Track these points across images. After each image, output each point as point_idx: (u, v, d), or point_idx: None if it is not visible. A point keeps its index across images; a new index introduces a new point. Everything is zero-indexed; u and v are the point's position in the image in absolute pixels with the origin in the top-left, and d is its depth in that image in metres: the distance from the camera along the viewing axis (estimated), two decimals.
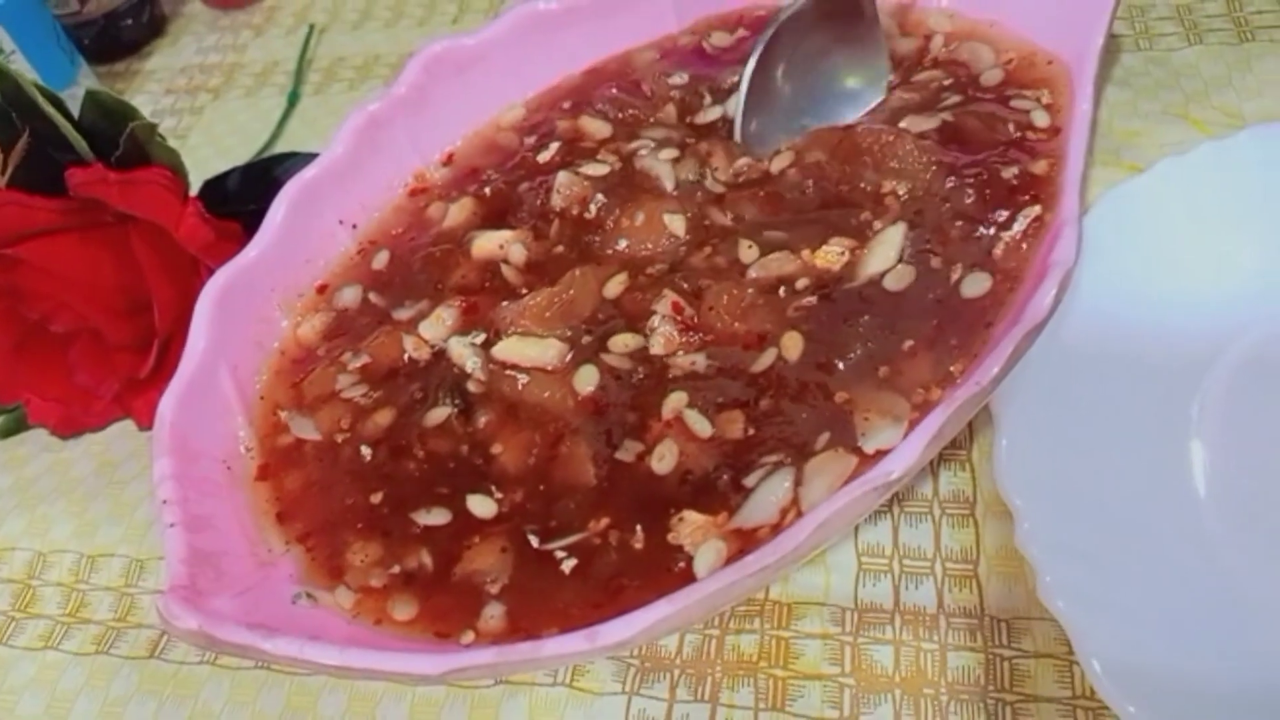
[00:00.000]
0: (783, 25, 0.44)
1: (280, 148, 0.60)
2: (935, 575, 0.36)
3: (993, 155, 0.41)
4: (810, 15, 0.44)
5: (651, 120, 0.48)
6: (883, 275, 0.37)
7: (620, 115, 0.48)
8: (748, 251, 0.40)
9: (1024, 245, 0.37)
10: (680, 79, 0.49)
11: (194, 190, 0.48)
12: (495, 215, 0.45)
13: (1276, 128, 0.42)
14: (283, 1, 0.72)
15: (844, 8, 0.44)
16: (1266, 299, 0.40)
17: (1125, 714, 0.28)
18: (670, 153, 0.45)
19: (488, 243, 0.43)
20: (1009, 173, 0.40)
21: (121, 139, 0.42)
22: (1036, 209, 0.38)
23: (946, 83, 0.45)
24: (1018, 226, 0.38)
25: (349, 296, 0.43)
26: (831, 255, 0.39)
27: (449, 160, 0.48)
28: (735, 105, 0.44)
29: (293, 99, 0.63)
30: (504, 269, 0.42)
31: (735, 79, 0.45)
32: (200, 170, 0.59)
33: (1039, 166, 0.40)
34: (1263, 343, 0.39)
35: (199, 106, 0.65)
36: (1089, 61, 0.41)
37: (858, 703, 0.33)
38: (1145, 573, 0.32)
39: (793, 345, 0.37)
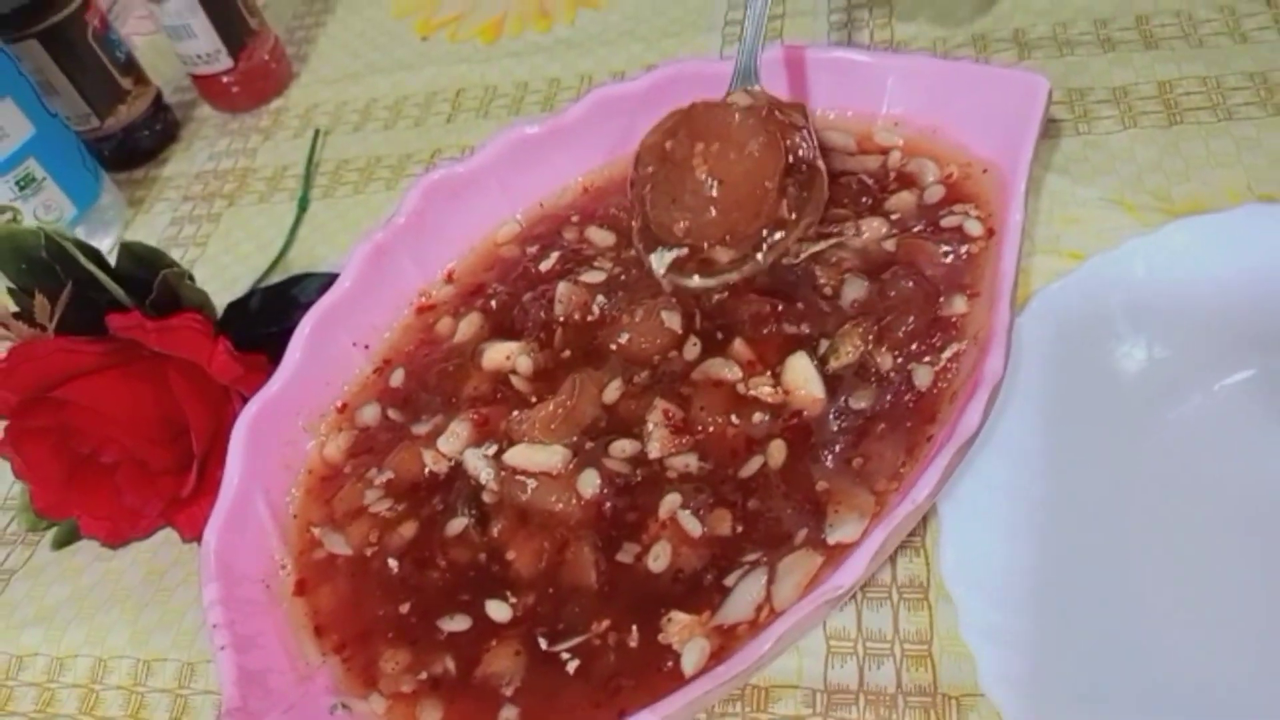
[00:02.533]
0: None
1: (293, 254, 0.65)
2: (894, 656, 0.40)
3: (936, 275, 0.46)
4: None
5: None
6: (846, 399, 0.42)
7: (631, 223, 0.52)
8: (726, 370, 0.44)
9: (958, 362, 0.42)
10: None
11: (220, 308, 0.53)
12: (502, 327, 0.50)
13: (1197, 221, 0.47)
14: (288, 103, 0.77)
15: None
16: (1193, 386, 0.44)
17: None
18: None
19: (496, 355, 0.48)
20: (949, 294, 0.44)
21: (155, 283, 0.47)
22: (969, 332, 0.42)
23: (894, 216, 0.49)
24: (953, 348, 0.43)
25: (369, 415, 0.48)
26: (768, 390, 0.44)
27: (450, 277, 0.53)
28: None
29: (303, 204, 0.68)
30: (513, 379, 0.47)
31: None
32: (222, 278, 0.65)
33: (974, 283, 0.45)
34: (1191, 429, 0.43)
35: (216, 213, 0.70)
36: (1020, 174, 0.46)
37: None
38: (1081, 658, 0.36)
39: (778, 452, 0.42)
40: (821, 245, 0.49)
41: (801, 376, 0.43)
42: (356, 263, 0.49)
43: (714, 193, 0.48)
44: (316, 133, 0.72)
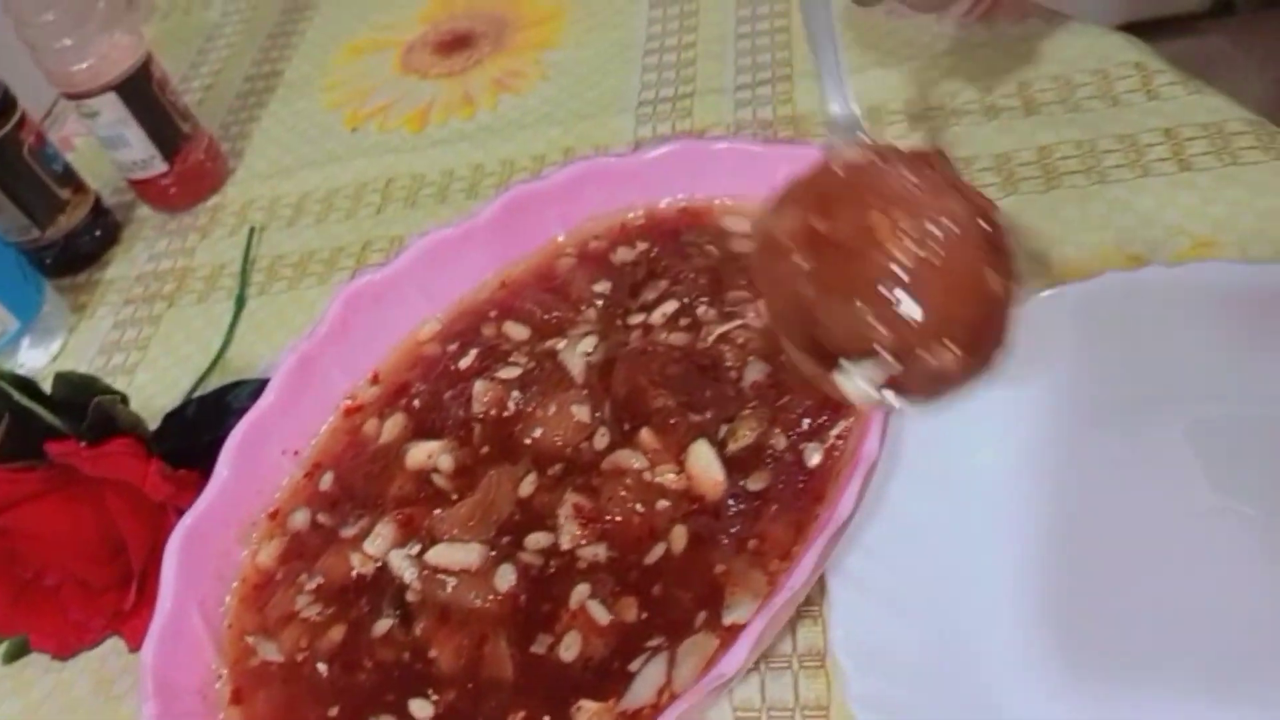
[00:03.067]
0: None
1: (232, 352, 0.67)
2: None
3: None
4: None
5: (577, 320, 0.55)
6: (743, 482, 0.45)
7: (546, 317, 0.55)
8: (634, 459, 0.47)
9: (845, 440, 0.45)
10: (604, 287, 0.56)
11: (160, 413, 0.56)
12: (425, 426, 0.52)
13: (1062, 293, 0.50)
14: (225, 200, 0.80)
15: None
16: (1067, 451, 0.48)
17: None
18: (589, 343, 0.52)
19: (419, 454, 0.50)
20: None
21: (89, 408, 0.49)
22: (855, 410, 0.45)
23: None
24: (840, 426, 0.46)
25: (300, 520, 0.50)
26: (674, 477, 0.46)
27: (376, 378, 0.55)
28: None
29: (240, 303, 0.70)
30: (435, 478, 0.50)
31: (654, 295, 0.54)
32: (162, 381, 0.67)
33: None
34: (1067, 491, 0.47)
35: (156, 315, 0.72)
36: None
37: None
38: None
39: (679, 538, 0.44)
40: (727, 326, 0.52)
41: (703, 462, 0.46)
42: (282, 374, 0.52)
43: (921, 278, 0.37)
44: (252, 230, 0.75)
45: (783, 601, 0.38)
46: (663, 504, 0.46)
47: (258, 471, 0.51)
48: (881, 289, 0.38)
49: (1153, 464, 0.46)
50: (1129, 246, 0.56)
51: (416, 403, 0.53)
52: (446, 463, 0.50)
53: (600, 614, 0.43)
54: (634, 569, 0.44)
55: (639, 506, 0.46)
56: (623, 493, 0.46)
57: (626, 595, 0.43)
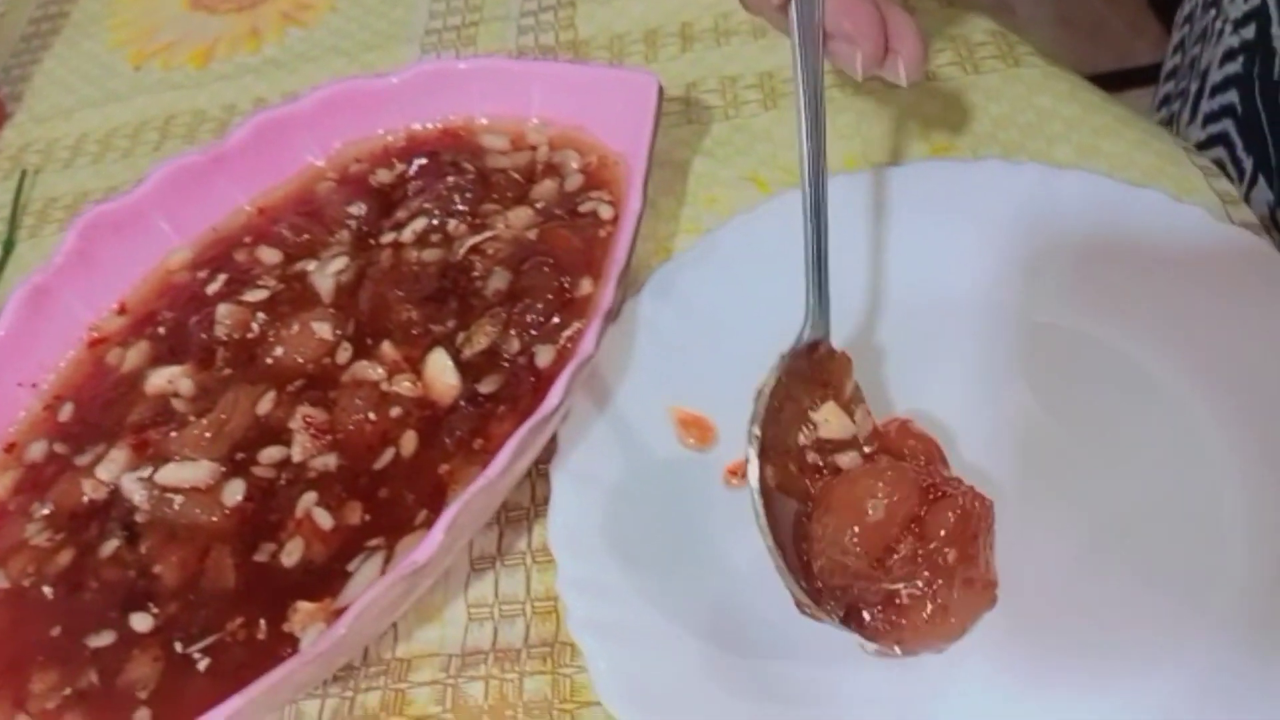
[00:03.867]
0: None
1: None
2: (525, 615, 0.44)
3: (571, 260, 0.50)
4: None
5: (330, 242, 0.55)
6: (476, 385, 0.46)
7: (297, 240, 0.55)
8: (371, 371, 0.48)
9: (576, 341, 0.46)
10: (358, 209, 0.56)
11: None
12: (169, 353, 0.52)
13: (793, 195, 0.52)
14: (1, 144, 0.77)
15: None
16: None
17: (617, 712, 0.37)
18: (339, 264, 0.53)
19: (159, 379, 0.50)
20: (580, 277, 0.49)
21: None
22: (590, 312, 0.46)
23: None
24: (573, 327, 0.47)
25: (36, 451, 0.49)
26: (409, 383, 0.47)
27: (123, 309, 0.54)
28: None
29: (8, 247, 0.68)
30: (174, 402, 0.49)
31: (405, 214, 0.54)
32: None
33: (601, 265, 0.49)
34: None
35: None
36: (639, 163, 0.50)
37: None
38: (658, 602, 0.41)
39: (409, 443, 0.45)
40: (477, 238, 0.53)
41: (438, 368, 0.47)
42: (13, 306, 0.50)
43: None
44: (23, 174, 0.72)
45: (477, 489, 0.38)
46: (396, 411, 0.46)
47: None
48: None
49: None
50: (873, 155, 0.58)
51: (161, 330, 0.52)
52: (186, 386, 0.49)
53: (324, 519, 0.43)
54: (363, 475, 0.45)
55: (371, 415, 0.46)
56: (357, 402, 0.46)
57: (352, 500, 0.44)
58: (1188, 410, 0.44)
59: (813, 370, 0.42)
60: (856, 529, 0.38)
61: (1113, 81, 0.96)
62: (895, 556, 0.38)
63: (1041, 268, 0.48)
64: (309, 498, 0.44)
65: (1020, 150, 0.55)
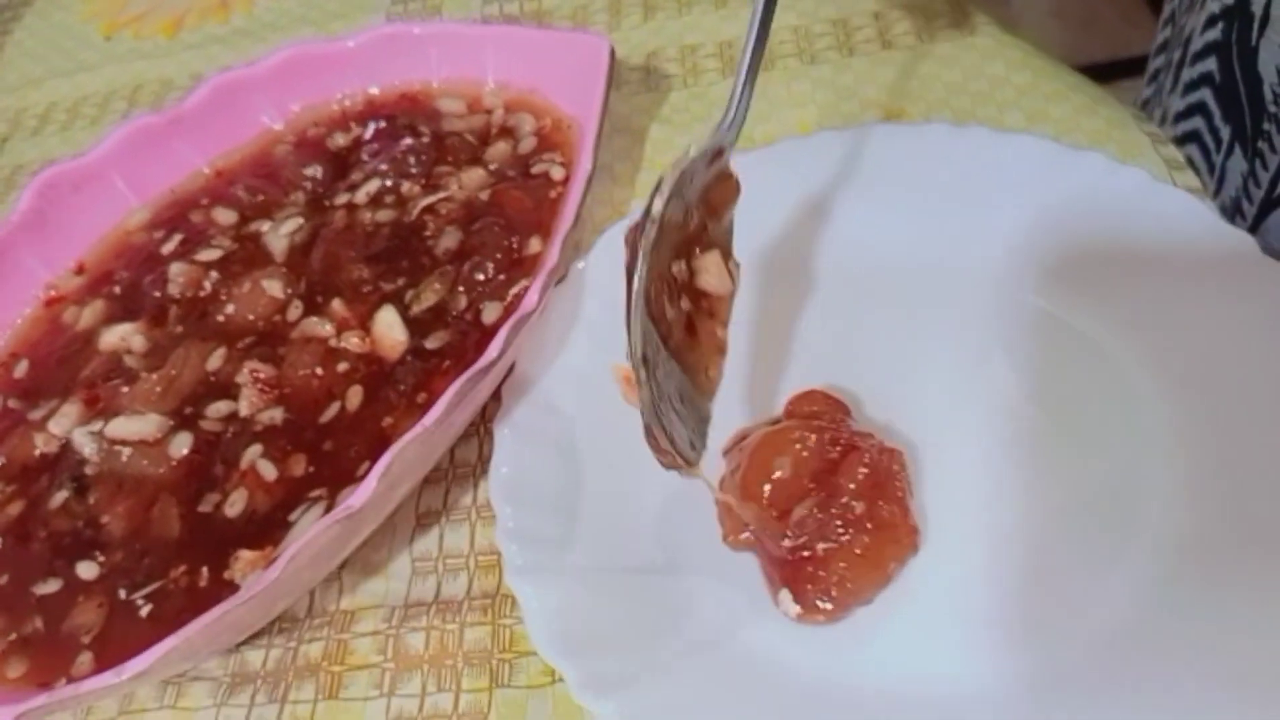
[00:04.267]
0: None
1: None
2: (469, 569, 0.45)
3: (521, 220, 0.51)
4: None
5: (285, 203, 0.55)
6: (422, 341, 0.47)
7: (253, 201, 0.56)
8: (320, 327, 0.48)
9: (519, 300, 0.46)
10: (314, 171, 0.56)
11: None
12: (124, 312, 0.52)
13: (742, 158, 0.52)
14: None
15: None
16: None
17: (548, 657, 0.38)
18: (293, 224, 0.53)
19: (112, 336, 0.50)
20: (529, 236, 0.49)
21: None
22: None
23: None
24: (520, 285, 0.47)
25: None
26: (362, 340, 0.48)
27: (80, 269, 0.55)
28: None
29: None
30: (126, 358, 0.50)
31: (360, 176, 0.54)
32: None
33: (550, 225, 0.50)
34: None
35: None
36: (591, 126, 0.50)
37: (395, 681, 0.42)
38: (587, 553, 0.42)
39: (354, 397, 0.46)
40: (430, 199, 0.53)
41: (385, 324, 0.47)
42: None
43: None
44: None
45: (412, 437, 0.39)
46: (343, 366, 0.47)
47: None
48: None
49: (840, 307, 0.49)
50: (827, 121, 0.58)
51: (117, 289, 0.53)
52: (139, 343, 0.50)
53: (268, 471, 0.44)
54: (308, 429, 0.45)
55: (319, 370, 0.47)
56: (305, 358, 0.47)
57: (297, 453, 0.44)
58: (1121, 368, 0.44)
59: (707, 183, 0.41)
60: (767, 487, 0.39)
61: (1106, 72, 0.96)
62: (801, 511, 0.38)
63: (984, 232, 0.49)
64: (254, 450, 0.44)
65: (971, 116, 0.56)
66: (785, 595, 0.39)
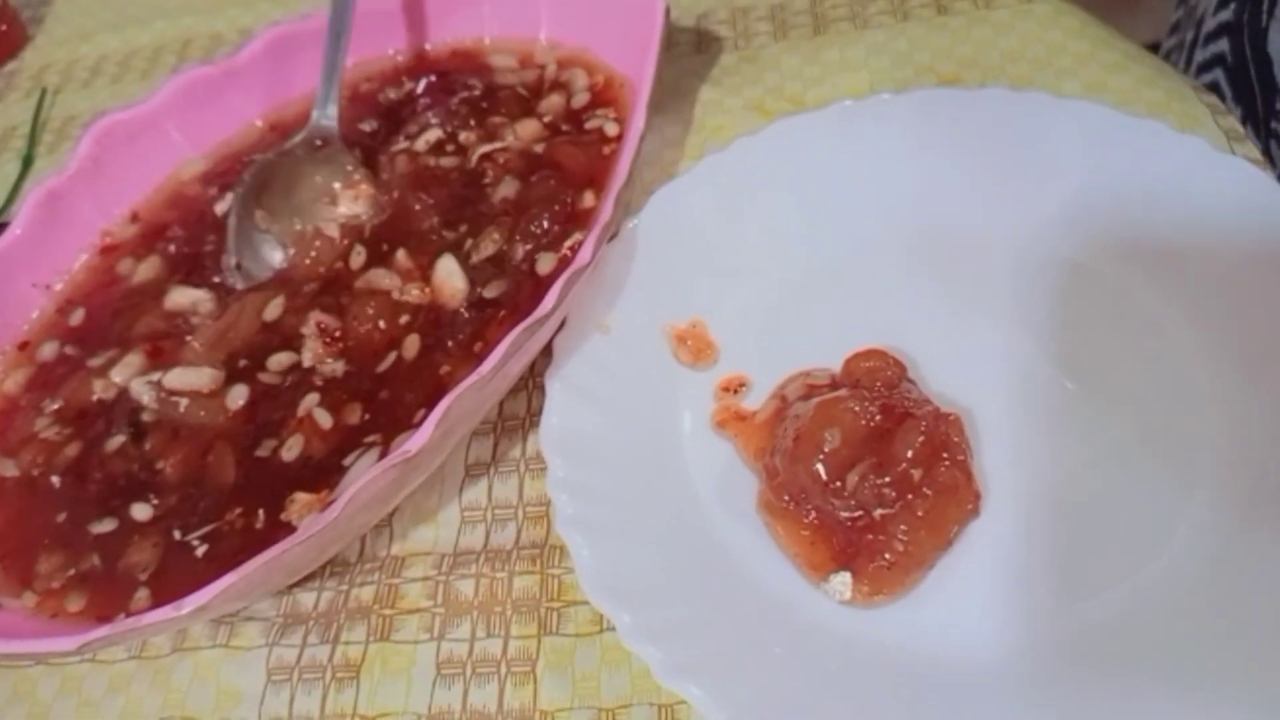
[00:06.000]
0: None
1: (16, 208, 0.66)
2: (517, 519, 0.45)
3: (577, 173, 0.51)
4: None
5: None
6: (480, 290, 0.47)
7: None
8: (386, 279, 0.49)
9: (573, 252, 0.47)
10: (370, 125, 0.57)
11: None
12: (184, 273, 0.53)
13: (797, 119, 0.52)
14: (22, 65, 0.78)
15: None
16: (789, 264, 0.50)
17: (599, 604, 0.38)
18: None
19: (181, 298, 0.51)
20: (584, 190, 0.49)
21: None
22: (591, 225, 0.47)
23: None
24: (574, 238, 0.47)
25: (48, 351, 0.51)
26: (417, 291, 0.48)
27: (135, 218, 0.55)
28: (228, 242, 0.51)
29: (28, 161, 0.69)
30: (192, 318, 0.50)
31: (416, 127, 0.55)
32: None
33: (604, 181, 0.49)
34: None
35: None
36: (644, 85, 0.50)
37: (445, 625, 0.43)
38: (636, 506, 0.42)
39: (411, 345, 0.46)
40: (489, 146, 0.53)
41: (445, 273, 0.48)
42: (28, 209, 0.52)
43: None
44: (43, 92, 0.73)
45: (468, 385, 0.39)
46: (404, 318, 0.47)
47: (5, 301, 0.51)
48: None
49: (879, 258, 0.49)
50: (880, 85, 0.58)
51: (171, 248, 0.53)
52: (207, 307, 0.50)
53: (324, 419, 0.44)
54: (366, 378, 0.46)
55: (381, 324, 0.47)
56: (369, 311, 0.47)
57: (353, 401, 0.45)
58: (1178, 338, 0.44)
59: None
60: (821, 456, 0.39)
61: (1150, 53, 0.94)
62: (854, 478, 0.39)
63: (1040, 197, 0.48)
64: (311, 398, 0.45)
65: (1028, 84, 0.55)
66: (840, 578, 0.39)
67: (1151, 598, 0.38)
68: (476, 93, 0.56)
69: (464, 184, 0.52)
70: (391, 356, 0.46)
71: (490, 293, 0.47)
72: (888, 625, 0.39)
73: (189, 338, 0.49)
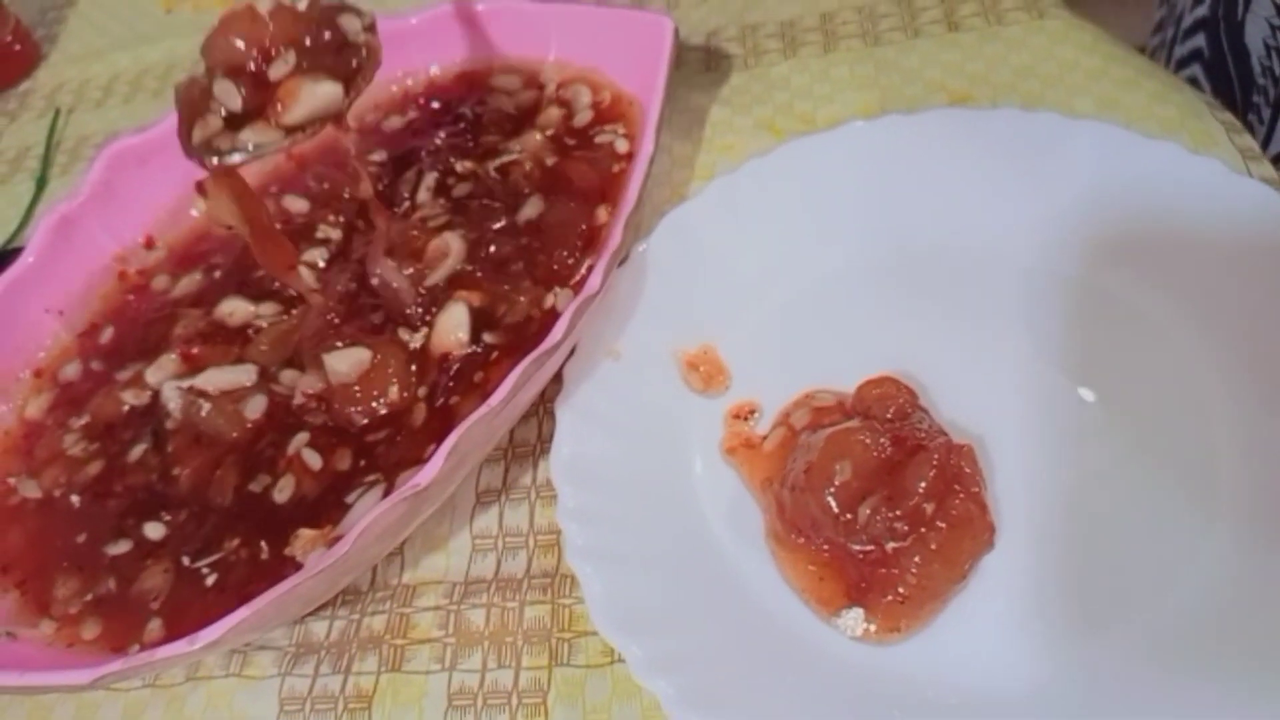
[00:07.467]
0: None
1: (29, 232, 0.67)
2: (528, 547, 0.45)
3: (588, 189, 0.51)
4: None
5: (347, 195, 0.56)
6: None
7: (322, 188, 0.56)
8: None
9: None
10: (379, 155, 0.56)
11: None
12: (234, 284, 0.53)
13: (807, 140, 0.52)
14: (36, 85, 0.78)
15: None
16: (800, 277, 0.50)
17: (609, 637, 0.38)
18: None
19: (239, 310, 0.51)
20: (597, 207, 0.49)
21: None
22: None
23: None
24: (586, 264, 0.47)
25: (71, 371, 0.51)
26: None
27: (150, 243, 0.55)
28: None
29: (41, 183, 0.69)
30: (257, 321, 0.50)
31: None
32: None
33: (614, 200, 0.49)
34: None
35: None
36: (653, 105, 0.50)
37: (457, 656, 0.43)
38: (646, 535, 0.42)
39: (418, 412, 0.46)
40: (498, 161, 0.53)
41: (453, 323, 0.47)
42: (41, 235, 0.52)
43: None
44: (56, 112, 0.74)
45: (477, 418, 0.39)
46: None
47: (16, 329, 0.51)
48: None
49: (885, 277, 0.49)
50: (891, 104, 0.57)
51: (217, 274, 0.53)
52: (271, 309, 0.51)
53: (313, 460, 0.44)
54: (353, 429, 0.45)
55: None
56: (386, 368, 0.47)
57: (342, 448, 0.44)
58: (1193, 361, 0.43)
59: None
60: (831, 489, 0.39)
61: (1163, 69, 0.94)
62: (865, 511, 0.38)
63: (1053, 219, 0.48)
64: (301, 437, 0.45)
65: (1040, 101, 0.55)
66: (852, 614, 0.39)
67: (1173, 627, 0.37)
68: (462, 124, 0.56)
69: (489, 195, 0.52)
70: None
71: (492, 338, 0.46)
72: (903, 659, 0.38)
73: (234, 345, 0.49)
